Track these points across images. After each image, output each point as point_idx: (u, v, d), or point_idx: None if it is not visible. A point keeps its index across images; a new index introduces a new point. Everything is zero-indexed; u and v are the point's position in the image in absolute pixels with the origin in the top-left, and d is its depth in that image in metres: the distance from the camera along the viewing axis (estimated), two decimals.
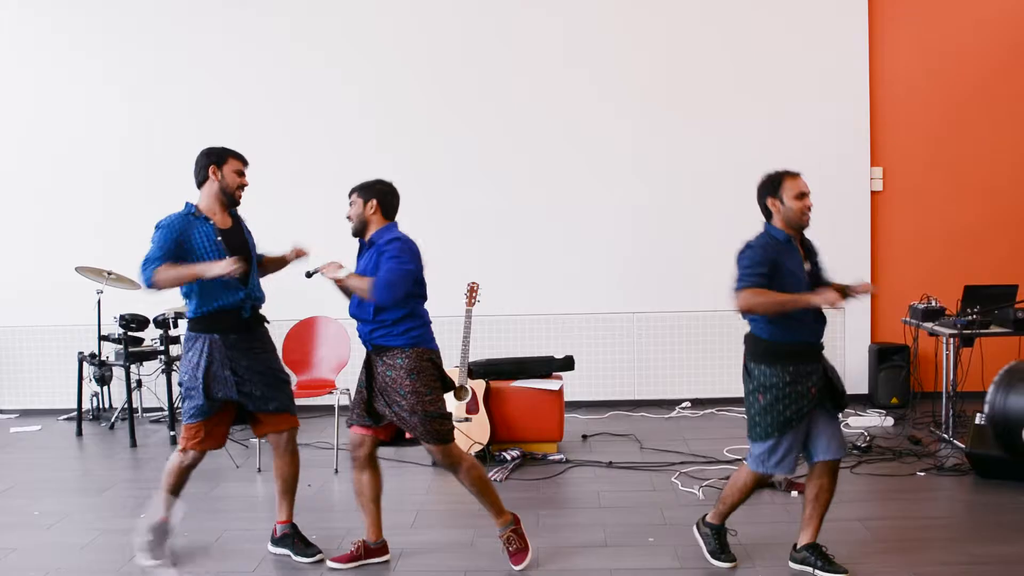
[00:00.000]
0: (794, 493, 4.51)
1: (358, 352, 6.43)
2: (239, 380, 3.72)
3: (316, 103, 6.88)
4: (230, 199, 3.84)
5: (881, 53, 6.67)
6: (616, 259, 6.81)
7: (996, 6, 6.65)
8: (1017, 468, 4.54)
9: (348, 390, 5.55)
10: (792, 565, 3.65)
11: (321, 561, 3.82)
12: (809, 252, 3.61)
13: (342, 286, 3.72)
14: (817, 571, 3.57)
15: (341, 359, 5.63)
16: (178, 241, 3.69)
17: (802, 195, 3.50)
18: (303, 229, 6.82)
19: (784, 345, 3.45)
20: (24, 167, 7.09)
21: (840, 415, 3.62)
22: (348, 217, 3.78)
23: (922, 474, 4.82)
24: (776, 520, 4.16)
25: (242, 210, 4.00)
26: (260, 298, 3.97)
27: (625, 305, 6.82)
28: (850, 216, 6.68)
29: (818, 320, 3.52)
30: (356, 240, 3.86)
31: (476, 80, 6.80)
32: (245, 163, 3.90)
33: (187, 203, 3.83)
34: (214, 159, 3.81)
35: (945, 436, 5.45)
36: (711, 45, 6.71)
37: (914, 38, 6.67)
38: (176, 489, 3.87)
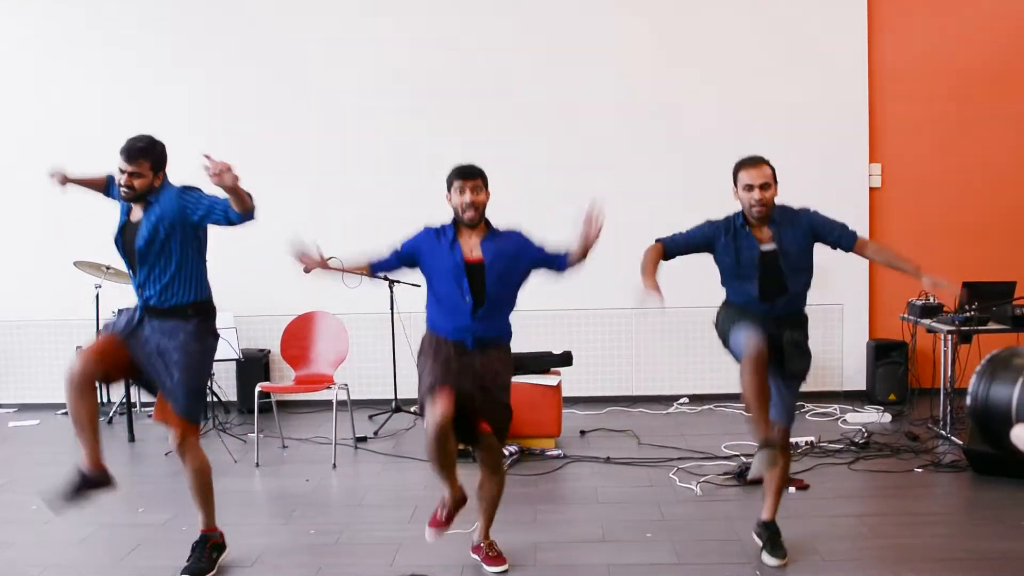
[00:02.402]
0: (791, 489, 4.51)
1: (357, 348, 6.49)
2: (138, 337, 3.55)
3: (315, 103, 6.87)
4: (122, 198, 3.64)
5: (880, 49, 6.66)
6: (614, 254, 6.79)
7: (994, 3, 6.64)
8: (1014, 465, 4.54)
9: (347, 385, 5.55)
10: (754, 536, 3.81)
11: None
12: (783, 233, 3.59)
13: None
14: (763, 552, 3.68)
15: (340, 354, 5.63)
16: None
17: (749, 187, 3.53)
18: (306, 226, 6.84)
19: (734, 304, 3.69)
20: (23, 162, 7.08)
21: (791, 385, 3.64)
22: (471, 203, 3.53)
23: (920, 470, 4.83)
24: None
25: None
26: (151, 298, 3.58)
27: (623, 301, 6.80)
28: (849, 213, 6.52)
29: (766, 296, 3.57)
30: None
31: (477, 77, 6.79)
32: (127, 160, 3.55)
33: None
34: None
35: (943, 432, 5.46)
36: (708, 43, 6.70)
37: (913, 34, 6.67)
38: (75, 417, 3.56)
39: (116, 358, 3.55)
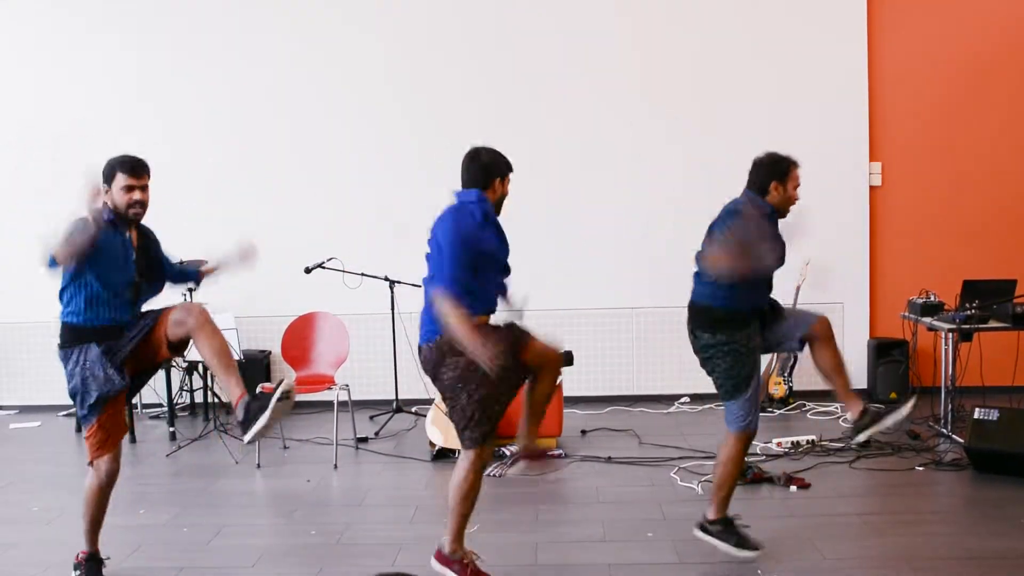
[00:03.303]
0: (793, 488, 4.52)
1: (358, 348, 6.49)
2: (121, 367, 3.43)
3: (316, 104, 6.87)
4: (123, 218, 3.48)
5: (880, 48, 6.66)
6: (615, 254, 6.81)
7: (994, 2, 6.63)
8: (1015, 463, 4.55)
9: (347, 386, 5.56)
10: (700, 535, 3.72)
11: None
12: None
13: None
14: (734, 549, 3.62)
15: (340, 355, 5.63)
16: None
17: (797, 187, 3.68)
18: (306, 227, 6.85)
19: (741, 312, 3.61)
20: (24, 163, 7.09)
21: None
22: (503, 197, 3.51)
23: (920, 469, 4.83)
24: (774, 515, 4.16)
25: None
26: (136, 311, 3.60)
27: (624, 300, 6.82)
28: (849, 211, 6.67)
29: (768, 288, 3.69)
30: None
31: (476, 78, 6.80)
32: (138, 175, 3.45)
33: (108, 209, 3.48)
34: (104, 175, 3.46)
35: (944, 431, 5.45)
36: (710, 44, 6.70)
37: (913, 33, 6.66)
38: (97, 519, 3.62)
39: (119, 415, 3.55)
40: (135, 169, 3.46)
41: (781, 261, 3.63)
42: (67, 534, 4.22)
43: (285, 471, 5.27)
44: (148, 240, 3.66)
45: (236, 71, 6.90)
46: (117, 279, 3.48)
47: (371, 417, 6.43)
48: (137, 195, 3.46)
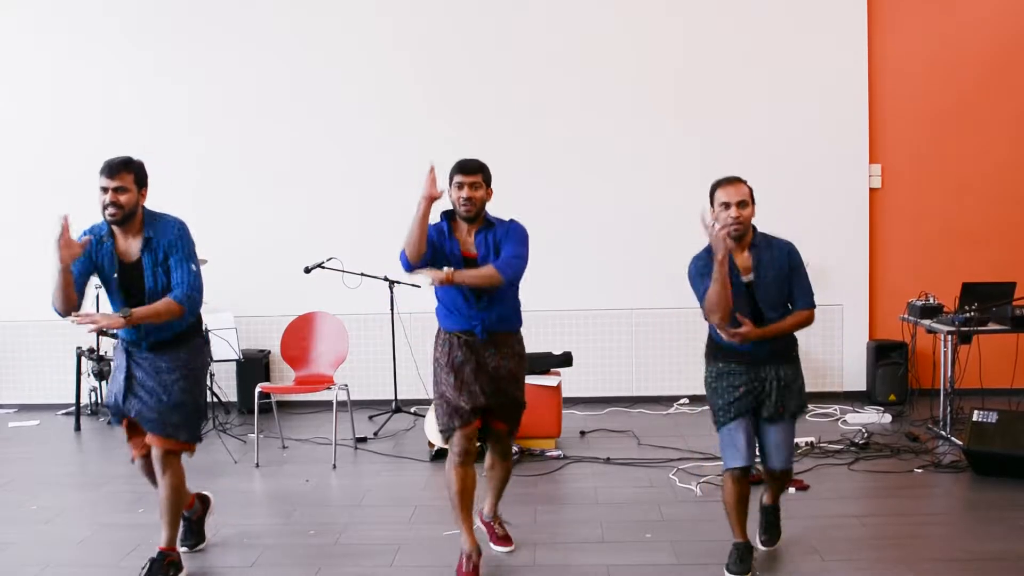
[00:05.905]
0: (792, 489, 4.52)
1: (357, 348, 6.49)
2: (127, 388, 3.55)
3: (316, 104, 6.87)
4: (108, 220, 3.43)
5: (880, 50, 6.67)
6: (614, 255, 6.81)
7: (994, 3, 6.64)
8: (1014, 465, 4.55)
9: (347, 385, 5.56)
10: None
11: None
12: (762, 260, 3.43)
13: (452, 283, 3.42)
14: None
15: (340, 354, 5.63)
16: (90, 257, 3.47)
17: (726, 205, 3.37)
18: (306, 227, 6.85)
19: (716, 345, 3.57)
20: (24, 164, 7.09)
21: (786, 425, 3.50)
22: (468, 199, 3.50)
23: (919, 471, 4.83)
24: None
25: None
26: (153, 333, 3.52)
27: (623, 301, 6.82)
28: (849, 213, 6.67)
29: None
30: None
31: (476, 79, 6.80)
32: (110, 175, 3.36)
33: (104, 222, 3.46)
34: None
35: (943, 433, 5.46)
36: (710, 44, 6.70)
37: (913, 35, 6.67)
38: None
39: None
40: (105, 170, 3.38)
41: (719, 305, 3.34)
42: (65, 533, 4.22)
43: (284, 471, 5.27)
44: (151, 249, 3.46)
45: (233, 71, 6.90)
46: (110, 296, 3.54)
47: (370, 417, 6.43)
48: (109, 197, 3.38)
